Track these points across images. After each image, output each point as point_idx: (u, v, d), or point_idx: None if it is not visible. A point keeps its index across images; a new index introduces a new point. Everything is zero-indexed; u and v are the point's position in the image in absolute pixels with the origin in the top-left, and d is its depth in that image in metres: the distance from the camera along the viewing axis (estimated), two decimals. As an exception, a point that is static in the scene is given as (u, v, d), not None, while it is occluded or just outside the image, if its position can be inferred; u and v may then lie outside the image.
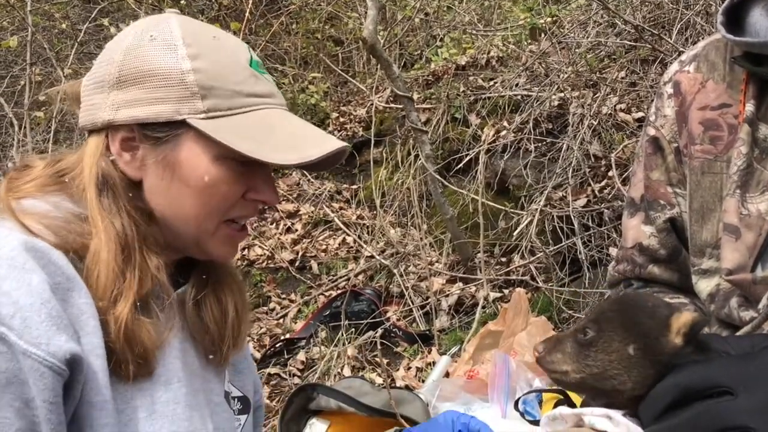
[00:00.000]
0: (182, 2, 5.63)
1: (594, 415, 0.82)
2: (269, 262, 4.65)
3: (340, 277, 4.32)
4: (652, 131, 1.27)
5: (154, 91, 0.98)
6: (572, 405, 1.22)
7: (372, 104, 5.16)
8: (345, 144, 1.05)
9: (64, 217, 0.95)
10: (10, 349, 0.81)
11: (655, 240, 1.26)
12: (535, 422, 1.29)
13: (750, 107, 1.12)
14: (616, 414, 0.83)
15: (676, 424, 0.83)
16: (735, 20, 1.15)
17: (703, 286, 1.17)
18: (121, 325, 0.91)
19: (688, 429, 0.81)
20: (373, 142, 4.94)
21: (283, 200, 5.13)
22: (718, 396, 0.82)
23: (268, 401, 3.45)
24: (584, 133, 3.81)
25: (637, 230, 1.28)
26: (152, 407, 0.95)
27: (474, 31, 5.51)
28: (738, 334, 1.09)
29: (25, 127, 4.52)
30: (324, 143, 1.03)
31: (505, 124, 4.33)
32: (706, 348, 0.90)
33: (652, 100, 1.31)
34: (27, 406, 0.81)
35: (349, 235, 4.66)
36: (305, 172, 5.23)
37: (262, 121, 1.01)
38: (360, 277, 4.25)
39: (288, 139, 1.01)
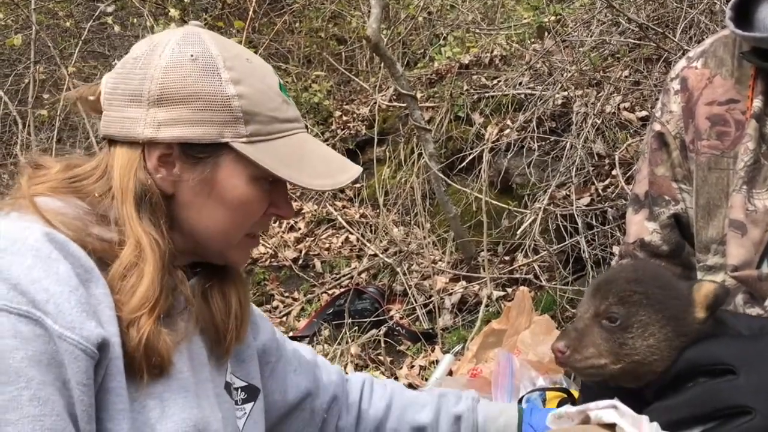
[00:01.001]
0: (186, 0, 5.63)
1: (599, 408, 0.82)
2: (272, 260, 4.65)
3: (344, 276, 4.32)
4: (657, 127, 1.26)
5: (198, 113, 1.01)
6: (575, 403, 1.22)
7: (375, 103, 5.16)
8: (361, 168, 1.18)
9: (76, 215, 0.98)
10: (47, 332, 0.84)
11: (657, 236, 1.26)
12: (539, 421, 1.29)
13: (758, 103, 1.11)
14: (621, 404, 0.83)
15: (677, 403, 0.84)
16: (743, 15, 1.15)
17: None
18: (143, 337, 0.94)
19: (688, 407, 0.83)
20: (376, 140, 4.95)
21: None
22: (721, 373, 0.83)
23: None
24: (588, 131, 3.81)
25: (640, 226, 1.28)
26: (164, 395, 0.97)
27: (477, 30, 5.51)
28: None
29: (29, 125, 4.53)
30: (348, 169, 1.13)
31: (509, 122, 4.33)
32: (723, 323, 0.89)
33: (657, 98, 1.30)
34: (65, 387, 0.85)
35: (352, 233, 4.66)
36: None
37: (296, 146, 1.09)
38: (363, 275, 4.25)
39: (319, 164, 1.10)
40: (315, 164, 1.09)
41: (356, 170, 1.14)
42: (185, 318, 1.04)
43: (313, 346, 3.75)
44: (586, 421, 0.82)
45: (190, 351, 1.05)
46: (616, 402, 0.83)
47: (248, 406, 1.19)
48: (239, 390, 1.19)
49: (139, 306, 0.95)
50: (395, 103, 4.95)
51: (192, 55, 1.03)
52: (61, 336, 0.85)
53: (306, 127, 1.27)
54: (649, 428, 0.79)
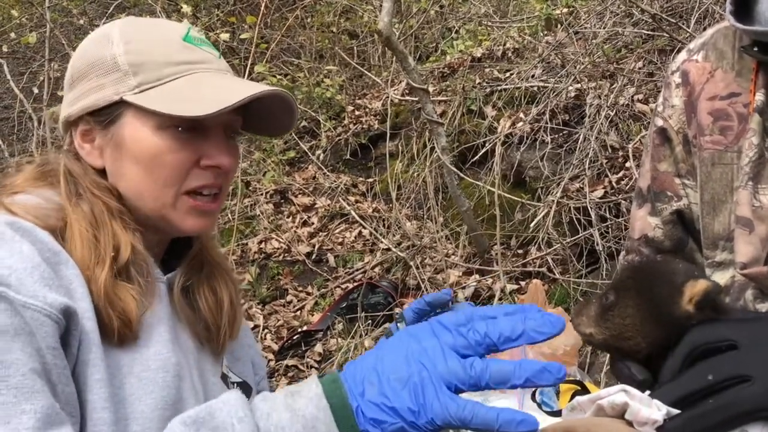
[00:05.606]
0: (198, -3, 5.65)
1: (611, 394, 0.84)
2: (286, 255, 4.67)
3: (357, 270, 4.34)
4: (660, 122, 1.25)
5: (96, 80, 1.07)
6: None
7: (387, 97, 5.16)
8: (271, 88, 1.06)
9: (52, 207, 1.02)
10: (11, 305, 0.86)
11: (660, 232, 1.25)
12: (553, 413, 1.29)
13: (760, 96, 1.10)
14: (631, 388, 0.85)
15: (679, 381, 0.85)
16: (744, 8, 1.13)
17: (718, 278, 1.16)
18: (101, 287, 0.97)
19: (690, 383, 0.83)
20: (388, 135, 4.95)
21: (300, 194, 5.15)
22: (726, 350, 0.85)
23: (285, 393, 3.48)
24: (601, 124, 3.79)
25: (644, 221, 1.28)
26: (143, 374, 0.99)
27: (490, 23, 5.49)
28: None
29: (44, 123, 4.57)
30: (248, 91, 1.04)
31: (522, 115, 4.31)
32: (724, 311, 0.92)
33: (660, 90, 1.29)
34: (38, 354, 0.87)
35: (365, 228, 4.67)
36: (310, 156, 5.25)
37: (191, 83, 1.06)
38: (376, 269, 4.27)
39: (212, 93, 1.04)
40: (206, 93, 1.04)
41: (252, 88, 1.05)
42: (149, 280, 1.05)
43: (327, 340, 3.78)
44: (599, 410, 0.84)
45: (172, 335, 1.06)
46: (625, 387, 0.85)
47: None
48: (235, 385, 1.20)
49: (88, 261, 0.97)
50: (407, 98, 4.95)
51: (95, 37, 1.11)
52: (24, 305, 0.87)
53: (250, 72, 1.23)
54: (656, 405, 0.81)
